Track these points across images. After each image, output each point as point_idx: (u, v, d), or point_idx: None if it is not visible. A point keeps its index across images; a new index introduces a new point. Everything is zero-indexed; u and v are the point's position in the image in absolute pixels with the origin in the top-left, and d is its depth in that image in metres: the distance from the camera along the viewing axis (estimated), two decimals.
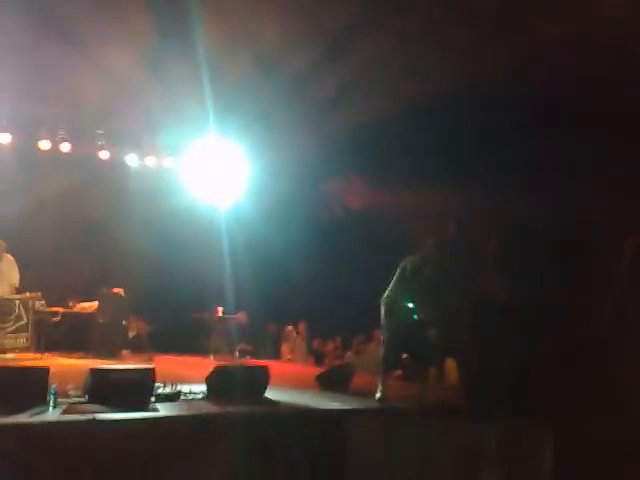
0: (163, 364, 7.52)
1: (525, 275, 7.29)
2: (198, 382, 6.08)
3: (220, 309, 10.86)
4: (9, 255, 9.07)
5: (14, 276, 9.01)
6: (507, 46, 6.97)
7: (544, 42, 6.66)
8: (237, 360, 9.74)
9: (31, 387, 4.91)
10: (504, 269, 7.62)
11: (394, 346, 6.57)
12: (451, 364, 8.23)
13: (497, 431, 5.93)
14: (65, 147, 10.34)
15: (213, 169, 10.49)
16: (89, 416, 4.59)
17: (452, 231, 8.61)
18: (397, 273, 6.59)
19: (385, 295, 6.60)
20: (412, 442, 5.66)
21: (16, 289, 8.95)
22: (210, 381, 6.02)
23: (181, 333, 10.54)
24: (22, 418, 4.44)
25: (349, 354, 10.10)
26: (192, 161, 10.58)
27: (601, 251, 7.11)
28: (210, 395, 5.88)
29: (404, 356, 7.08)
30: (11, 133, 9.91)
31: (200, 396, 5.84)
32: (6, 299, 8.64)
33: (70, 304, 9.74)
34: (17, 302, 8.68)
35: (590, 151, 6.97)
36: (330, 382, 7.10)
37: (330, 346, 10.71)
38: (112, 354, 8.79)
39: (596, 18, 6.12)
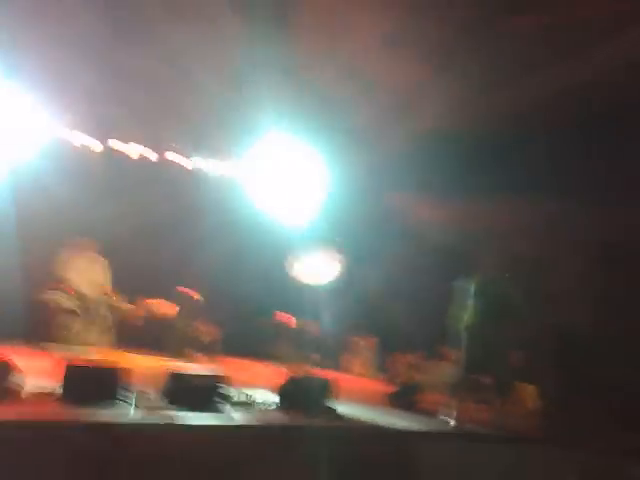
0: (234, 368, 7.59)
1: (609, 297, 7.01)
2: (268, 389, 6.11)
3: (292, 317, 10.89)
4: (102, 258, 9.37)
5: (103, 279, 9.26)
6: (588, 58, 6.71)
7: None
8: (307, 370, 9.73)
9: (112, 387, 5.02)
10: (588, 290, 7.34)
11: (470, 368, 6.41)
12: (529, 389, 7.99)
13: (578, 461, 5.70)
14: (148, 154, 10.65)
15: (290, 179, 10.52)
16: (167, 419, 4.68)
17: (530, 249, 8.35)
18: (463, 294, 6.45)
19: (458, 318, 6.46)
20: (486, 468, 5.51)
21: (106, 294, 9.18)
22: (283, 391, 6.04)
23: (252, 339, 10.60)
24: (103, 417, 4.55)
25: (416, 372, 9.95)
26: (270, 170, 10.64)
27: None
28: (282, 405, 5.90)
29: (481, 379, 6.89)
30: (99, 140, 10.28)
31: (273, 406, 5.86)
32: (88, 298, 8.91)
33: (149, 304, 9.95)
34: (99, 301, 8.95)
35: None
36: (401, 400, 7.01)
37: (402, 362, 10.56)
38: (184, 356, 8.96)
39: None
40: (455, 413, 6.15)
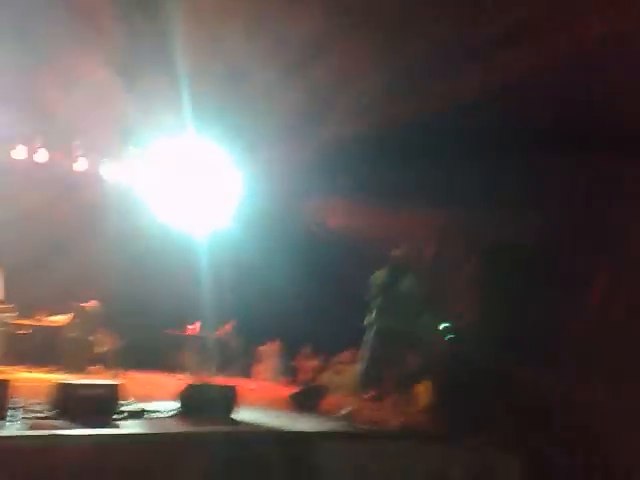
0: (133, 381, 7.38)
1: (504, 296, 7.28)
2: (168, 399, 5.97)
3: (194, 326, 10.71)
4: None
5: None
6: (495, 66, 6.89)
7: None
8: (209, 378, 9.58)
9: None
10: (483, 289, 7.61)
11: (374, 364, 6.49)
12: (422, 387, 8.19)
13: (467, 455, 5.90)
14: (40, 157, 10.18)
15: (192, 183, 10.33)
16: (51, 431, 4.47)
17: (431, 250, 8.60)
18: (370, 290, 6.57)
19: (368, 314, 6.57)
20: (381, 465, 5.59)
21: None
22: (181, 399, 5.93)
23: (153, 349, 10.33)
24: None
25: (326, 374, 9.98)
26: (168, 174, 10.41)
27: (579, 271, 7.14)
28: (180, 413, 5.78)
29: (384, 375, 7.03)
30: None
31: (166, 414, 5.72)
32: None
33: (39, 317, 9.55)
34: None
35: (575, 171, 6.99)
36: (303, 402, 7.02)
37: (307, 365, 10.58)
38: (80, 369, 8.62)
39: None
40: (347, 408, 6.21)
